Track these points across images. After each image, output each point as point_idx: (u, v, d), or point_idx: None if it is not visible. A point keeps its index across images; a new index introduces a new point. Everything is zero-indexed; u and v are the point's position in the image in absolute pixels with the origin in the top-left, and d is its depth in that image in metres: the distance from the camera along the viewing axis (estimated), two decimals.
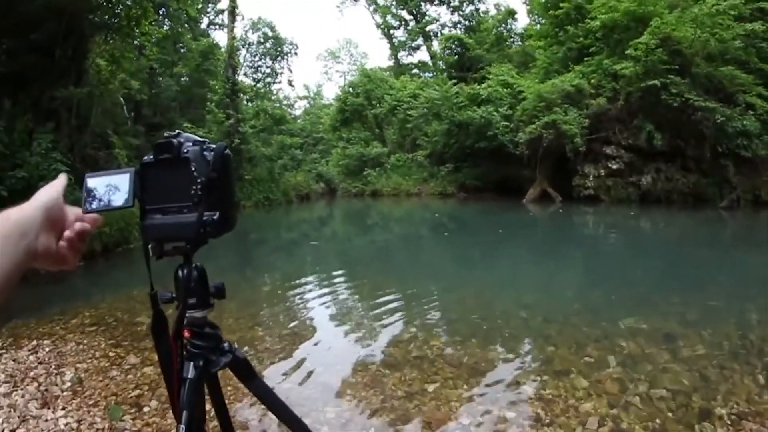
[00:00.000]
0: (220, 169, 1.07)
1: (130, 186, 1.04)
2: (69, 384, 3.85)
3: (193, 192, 1.05)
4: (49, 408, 3.47)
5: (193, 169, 1.05)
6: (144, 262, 1.12)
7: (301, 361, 4.36)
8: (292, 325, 5.66)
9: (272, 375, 4.03)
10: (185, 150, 1.07)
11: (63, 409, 3.45)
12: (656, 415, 3.28)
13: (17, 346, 4.75)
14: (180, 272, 1.15)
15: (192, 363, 1.14)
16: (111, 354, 4.51)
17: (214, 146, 1.10)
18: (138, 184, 1.06)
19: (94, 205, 1.03)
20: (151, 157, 1.09)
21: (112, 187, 1.04)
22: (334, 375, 4.04)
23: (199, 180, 1.05)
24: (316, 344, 4.92)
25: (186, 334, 1.15)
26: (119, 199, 1.03)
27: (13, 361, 4.35)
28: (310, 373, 4.08)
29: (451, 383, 3.81)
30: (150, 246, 1.11)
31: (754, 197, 19.66)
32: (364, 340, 4.98)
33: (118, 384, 3.87)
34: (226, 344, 1.20)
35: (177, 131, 1.13)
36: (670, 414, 3.31)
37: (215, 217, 1.08)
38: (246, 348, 4.67)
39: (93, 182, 1.05)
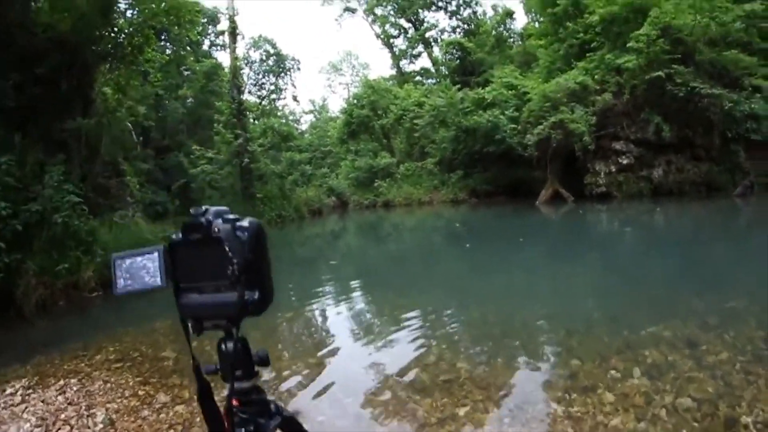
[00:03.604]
0: (255, 249, 1.09)
1: (161, 265, 1.08)
2: (101, 426, 3.85)
3: (229, 272, 1.06)
4: None
5: (227, 248, 1.06)
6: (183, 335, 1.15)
7: (330, 389, 4.36)
8: (316, 351, 5.65)
9: (303, 405, 4.04)
10: (216, 229, 1.08)
11: None
12: (683, 426, 3.29)
13: (44, 386, 4.77)
14: (223, 346, 1.17)
15: (243, 430, 1.17)
16: (140, 392, 4.50)
17: (246, 225, 1.10)
18: (169, 263, 1.09)
19: (126, 287, 1.09)
20: (180, 236, 1.10)
21: (142, 267, 1.09)
22: (365, 402, 4.05)
23: (235, 260, 1.06)
24: (342, 370, 4.92)
25: (234, 402, 1.18)
26: (151, 279, 1.08)
27: (42, 402, 4.36)
28: (341, 404, 4.08)
29: (482, 406, 3.81)
30: (190, 324, 1.14)
31: (767, 180, 19.59)
32: (390, 364, 4.93)
33: (151, 424, 3.87)
34: (273, 406, 1.23)
35: (204, 207, 1.13)
36: (696, 424, 3.31)
37: (255, 296, 1.10)
38: (273, 374, 4.69)
39: (122, 263, 1.10)
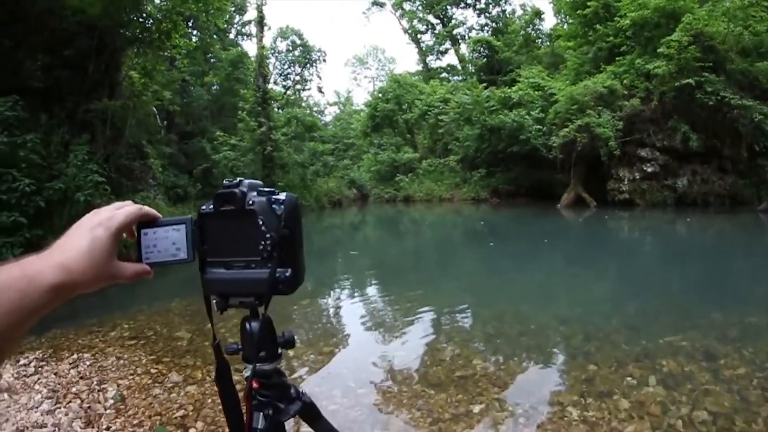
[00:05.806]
0: (291, 224, 1.03)
1: (189, 238, 1.00)
2: (112, 401, 3.84)
3: (261, 247, 1.01)
4: (93, 427, 3.45)
5: (261, 222, 1.01)
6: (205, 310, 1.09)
7: (344, 381, 4.34)
8: (330, 339, 5.66)
9: (317, 396, 3.99)
10: (250, 201, 1.02)
11: (107, 429, 3.44)
12: None
13: (57, 358, 4.78)
14: (248, 325, 1.11)
15: (261, 413, 1.12)
16: (152, 371, 4.50)
17: (283, 198, 1.05)
18: (197, 234, 1.02)
19: (150, 260, 0.99)
20: (211, 207, 1.04)
21: (169, 239, 1.01)
22: (379, 395, 4.02)
23: (268, 235, 1.01)
24: (357, 363, 4.89)
25: (254, 384, 1.12)
26: (177, 252, 1.00)
27: (54, 374, 4.36)
28: (354, 394, 4.06)
29: (497, 404, 3.76)
30: (214, 301, 1.07)
31: None
32: (406, 359, 4.90)
33: (161, 403, 3.85)
34: (293, 390, 1.17)
35: (239, 179, 1.07)
36: None
37: (287, 274, 1.04)
38: (286, 361, 4.67)
39: (148, 233, 1.01)
